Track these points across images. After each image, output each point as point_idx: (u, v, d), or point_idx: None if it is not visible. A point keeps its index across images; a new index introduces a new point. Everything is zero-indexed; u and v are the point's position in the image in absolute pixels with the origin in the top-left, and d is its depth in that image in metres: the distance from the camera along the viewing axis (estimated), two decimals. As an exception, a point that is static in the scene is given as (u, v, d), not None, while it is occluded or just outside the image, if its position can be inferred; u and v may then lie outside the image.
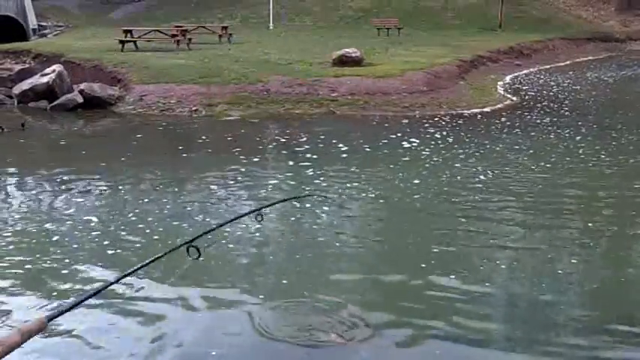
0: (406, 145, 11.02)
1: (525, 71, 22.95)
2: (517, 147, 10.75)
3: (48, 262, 5.99)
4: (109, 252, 6.23)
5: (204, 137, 12.14)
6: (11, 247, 6.41)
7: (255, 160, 10.11)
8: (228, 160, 10.04)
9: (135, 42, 21.36)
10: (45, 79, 15.59)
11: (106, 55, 18.64)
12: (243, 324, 4.71)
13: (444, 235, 6.58)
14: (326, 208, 7.48)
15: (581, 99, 16.62)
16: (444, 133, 12.14)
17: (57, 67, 15.96)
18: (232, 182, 8.75)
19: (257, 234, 6.60)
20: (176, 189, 8.46)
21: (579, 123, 12.88)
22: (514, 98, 16.82)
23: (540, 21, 33.92)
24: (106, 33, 26.43)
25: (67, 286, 5.49)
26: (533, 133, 11.94)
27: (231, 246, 6.26)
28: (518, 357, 4.36)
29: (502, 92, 17.85)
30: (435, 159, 10.02)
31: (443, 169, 9.30)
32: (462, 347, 4.48)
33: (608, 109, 15.34)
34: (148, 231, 6.79)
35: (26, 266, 5.89)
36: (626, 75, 22.50)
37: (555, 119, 13.58)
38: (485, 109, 15.05)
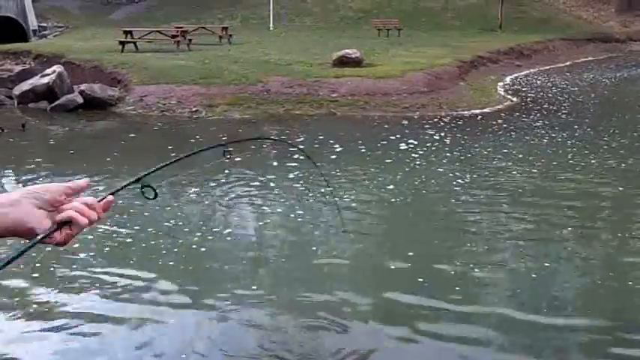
0: (403, 146, 10.98)
1: (525, 72, 22.96)
2: (506, 151, 10.60)
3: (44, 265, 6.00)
4: (107, 251, 6.24)
5: (202, 138, 12.16)
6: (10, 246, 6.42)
7: (245, 158, 10.15)
8: (229, 162, 10.04)
9: (135, 43, 21.36)
10: (45, 80, 15.60)
11: (106, 56, 18.65)
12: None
13: (417, 238, 6.63)
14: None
15: (579, 101, 16.59)
16: (442, 134, 12.13)
17: (57, 68, 15.96)
18: (214, 184, 8.67)
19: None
20: (175, 190, 8.47)
21: (575, 126, 12.74)
22: (514, 99, 16.82)
23: (540, 22, 33.94)
24: (106, 34, 26.45)
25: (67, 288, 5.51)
26: (527, 137, 11.75)
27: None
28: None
29: (502, 93, 17.86)
30: (427, 162, 9.93)
31: (430, 172, 9.24)
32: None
33: (605, 111, 15.27)
34: (147, 232, 6.80)
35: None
36: (626, 76, 22.50)
37: (551, 122, 13.45)
38: (486, 110, 15.05)
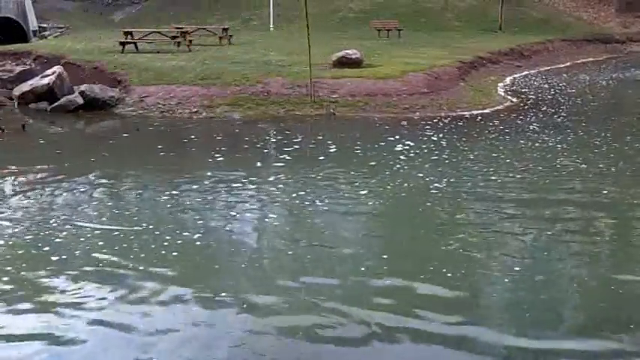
0: (398, 148, 10.90)
1: (525, 73, 22.95)
2: (495, 155, 10.42)
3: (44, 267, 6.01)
4: (107, 250, 6.25)
5: (199, 138, 12.20)
6: (9, 247, 6.43)
7: (237, 156, 10.21)
8: (212, 162, 10.11)
9: (135, 44, 21.36)
10: (45, 81, 15.61)
11: (106, 57, 18.67)
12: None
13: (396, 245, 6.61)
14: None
15: (578, 103, 16.49)
16: (441, 135, 12.10)
17: (57, 69, 15.98)
18: (203, 185, 8.68)
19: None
20: (173, 191, 8.48)
21: (568, 130, 12.54)
22: (514, 100, 16.82)
23: (540, 22, 33.94)
24: (106, 35, 26.43)
25: (68, 288, 5.52)
26: (522, 141, 11.53)
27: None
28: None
29: (502, 94, 17.86)
30: (418, 164, 9.82)
31: (419, 173, 9.12)
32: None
33: (601, 114, 15.06)
34: (147, 225, 6.81)
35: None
36: (625, 77, 22.50)
37: (546, 125, 13.24)
38: (486, 111, 15.05)
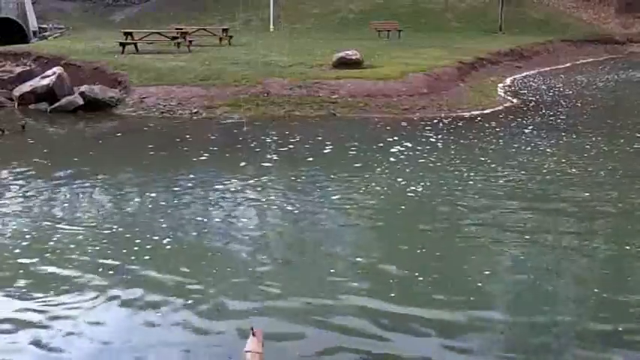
0: (394, 149, 10.87)
1: (525, 73, 22.96)
2: (483, 159, 10.27)
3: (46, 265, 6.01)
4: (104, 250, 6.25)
5: (197, 139, 12.21)
6: (8, 247, 6.43)
7: (226, 156, 10.21)
8: (196, 162, 10.15)
9: (135, 44, 21.36)
10: (45, 81, 15.60)
11: (106, 58, 18.66)
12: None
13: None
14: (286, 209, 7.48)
15: (576, 104, 16.44)
16: (439, 136, 12.09)
17: (57, 70, 15.97)
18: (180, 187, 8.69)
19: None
20: (172, 192, 8.48)
21: (562, 133, 12.45)
22: (514, 100, 16.82)
23: (540, 23, 33.95)
24: (106, 35, 26.43)
25: (66, 287, 5.52)
26: (515, 145, 11.41)
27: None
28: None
29: (502, 94, 17.86)
30: (404, 168, 9.72)
31: (397, 179, 8.98)
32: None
33: (597, 116, 14.97)
34: (143, 228, 6.81)
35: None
36: (624, 78, 22.50)
37: (541, 127, 13.17)
38: (485, 112, 15.05)
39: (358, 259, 6.14)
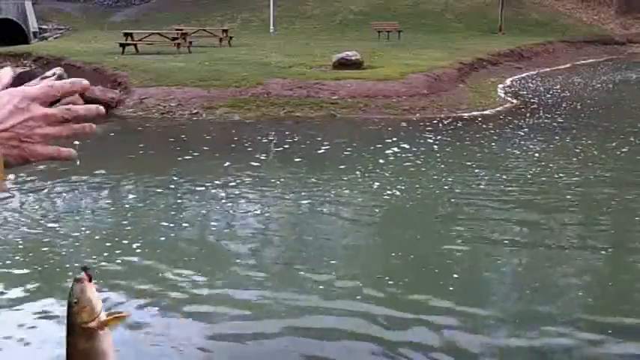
0: (390, 151, 10.78)
1: (525, 74, 22.96)
2: (470, 162, 10.05)
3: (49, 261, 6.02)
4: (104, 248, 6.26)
5: (196, 139, 12.24)
6: (9, 246, 6.45)
7: (215, 156, 10.28)
8: (181, 161, 10.17)
9: (135, 45, 21.36)
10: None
11: (106, 58, 18.67)
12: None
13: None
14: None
15: (575, 105, 16.39)
16: (439, 137, 12.05)
17: (57, 70, 15.96)
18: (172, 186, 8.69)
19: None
20: (170, 193, 8.49)
21: (556, 136, 12.36)
22: (514, 101, 16.82)
23: (540, 24, 33.98)
24: (106, 36, 26.46)
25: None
26: (507, 148, 11.27)
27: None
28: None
29: (502, 95, 17.86)
30: (391, 170, 9.59)
31: (380, 182, 8.89)
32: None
33: (594, 118, 14.86)
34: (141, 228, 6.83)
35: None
36: (625, 79, 22.50)
37: (537, 129, 13.11)
38: (486, 112, 15.05)
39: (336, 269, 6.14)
